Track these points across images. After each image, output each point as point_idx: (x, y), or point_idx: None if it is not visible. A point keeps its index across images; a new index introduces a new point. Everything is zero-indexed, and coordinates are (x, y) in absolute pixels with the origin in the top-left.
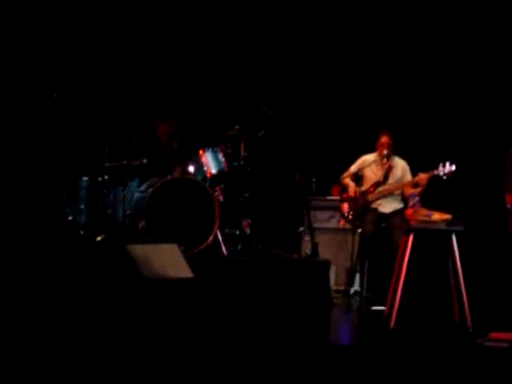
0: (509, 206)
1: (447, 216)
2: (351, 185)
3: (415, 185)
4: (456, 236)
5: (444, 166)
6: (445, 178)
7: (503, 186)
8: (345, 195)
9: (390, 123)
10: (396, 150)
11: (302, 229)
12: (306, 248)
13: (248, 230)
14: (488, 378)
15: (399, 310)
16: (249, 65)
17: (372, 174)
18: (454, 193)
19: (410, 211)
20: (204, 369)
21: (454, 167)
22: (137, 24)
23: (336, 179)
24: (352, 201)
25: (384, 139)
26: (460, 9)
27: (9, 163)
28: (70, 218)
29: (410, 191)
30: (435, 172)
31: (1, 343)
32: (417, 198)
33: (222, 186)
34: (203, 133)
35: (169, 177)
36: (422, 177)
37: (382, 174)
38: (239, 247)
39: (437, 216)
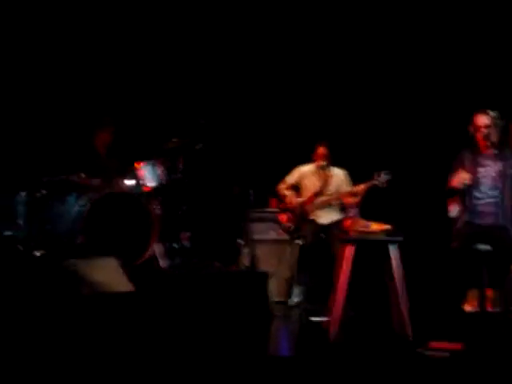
0: (450, 214)
1: (386, 226)
2: (289, 195)
3: (354, 195)
4: (395, 246)
5: (379, 175)
6: (381, 186)
7: (447, 192)
8: (283, 206)
9: (327, 134)
10: (333, 160)
11: (240, 241)
12: (245, 260)
13: (187, 243)
14: None
15: (339, 320)
16: (185, 77)
17: (310, 185)
18: (392, 203)
19: (348, 222)
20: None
21: (389, 176)
22: (69, 31)
23: (274, 191)
24: (290, 212)
25: (321, 150)
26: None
27: None
28: (7, 233)
29: (350, 200)
30: (372, 182)
31: None
32: (355, 209)
33: (160, 199)
34: (140, 145)
35: (106, 190)
36: (360, 188)
37: (319, 184)
38: (178, 260)
39: (375, 226)
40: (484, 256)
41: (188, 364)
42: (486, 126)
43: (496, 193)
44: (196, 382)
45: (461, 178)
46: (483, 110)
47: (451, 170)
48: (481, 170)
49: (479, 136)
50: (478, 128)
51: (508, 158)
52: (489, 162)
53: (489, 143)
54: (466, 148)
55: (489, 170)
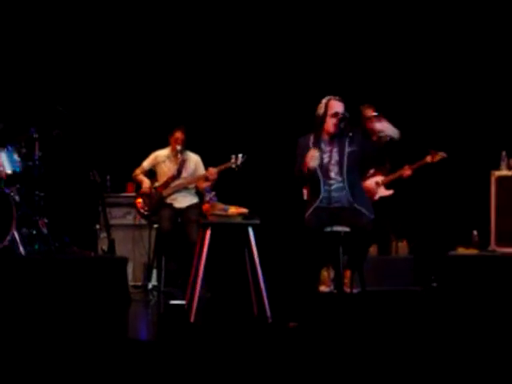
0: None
1: (243, 210)
2: (145, 180)
3: (207, 178)
4: (253, 229)
5: (236, 158)
6: (237, 169)
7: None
8: (139, 191)
9: (183, 118)
10: (188, 144)
11: (98, 226)
12: (103, 245)
13: (45, 230)
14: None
15: (199, 303)
16: (43, 63)
17: (166, 169)
18: (249, 187)
19: (206, 206)
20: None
21: (244, 159)
22: None
23: (130, 176)
24: (147, 196)
25: (178, 134)
26: None
27: None
28: None
29: (203, 185)
30: (228, 165)
31: None
32: (213, 193)
33: (18, 185)
34: None
35: None
36: (212, 171)
37: (175, 168)
38: (36, 247)
39: (233, 210)
40: (341, 237)
41: (49, 349)
42: (343, 113)
43: (344, 176)
44: (56, 366)
45: (312, 156)
46: (339, 97)
47: (296, 158)
48: (326, 155)
49: (334, 121)
50: (335, 114)
51: (352, 141)
52: (333, 147)
53: (339, 130)
54: (305, 135)
55: (334, 156)
